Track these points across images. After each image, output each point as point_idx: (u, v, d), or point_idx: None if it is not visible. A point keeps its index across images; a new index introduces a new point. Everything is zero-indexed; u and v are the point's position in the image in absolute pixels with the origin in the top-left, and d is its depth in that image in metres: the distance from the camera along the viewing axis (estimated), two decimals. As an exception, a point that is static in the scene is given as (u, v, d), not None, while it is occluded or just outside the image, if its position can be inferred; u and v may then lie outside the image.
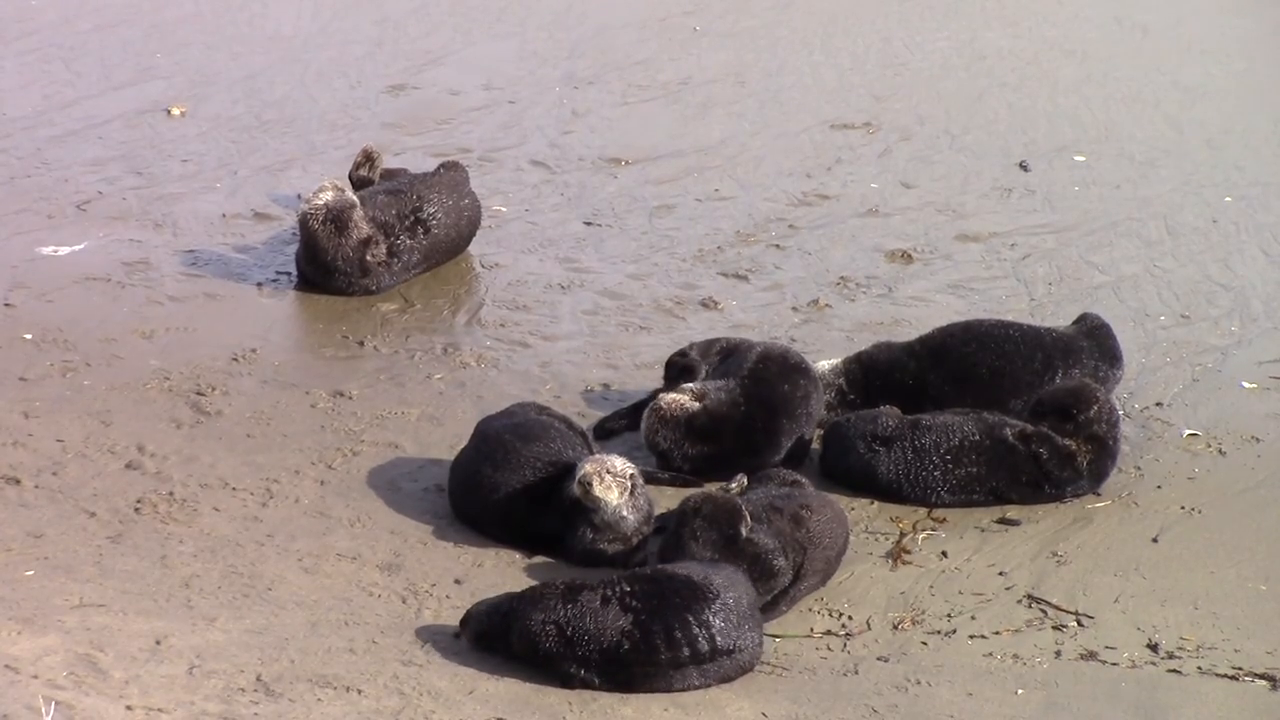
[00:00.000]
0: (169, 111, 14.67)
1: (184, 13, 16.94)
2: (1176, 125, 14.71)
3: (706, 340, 10.64)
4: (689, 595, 8.05)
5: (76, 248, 12.32)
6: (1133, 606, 8.80)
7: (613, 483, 8.95)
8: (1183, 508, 9.61)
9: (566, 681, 8.05)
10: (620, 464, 9.04)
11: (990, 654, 8.45)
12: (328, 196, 11.72)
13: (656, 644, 7.99)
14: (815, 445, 10.09)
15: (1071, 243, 12.69)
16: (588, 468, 8.98)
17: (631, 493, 9.01)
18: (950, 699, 8.10)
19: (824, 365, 10.43)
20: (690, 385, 10.01)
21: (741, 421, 9.79)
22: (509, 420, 9.53)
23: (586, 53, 16.17)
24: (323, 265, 11.74)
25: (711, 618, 8.03)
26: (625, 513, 9.00)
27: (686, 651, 8.01)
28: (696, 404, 9.84)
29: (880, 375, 10.38)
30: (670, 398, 9.88)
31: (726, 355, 10.33)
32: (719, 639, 8.04)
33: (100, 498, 9.46)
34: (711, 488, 9.37)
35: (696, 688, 8.06)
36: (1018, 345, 10.30)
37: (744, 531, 8.62)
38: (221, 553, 9.01)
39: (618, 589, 8.09)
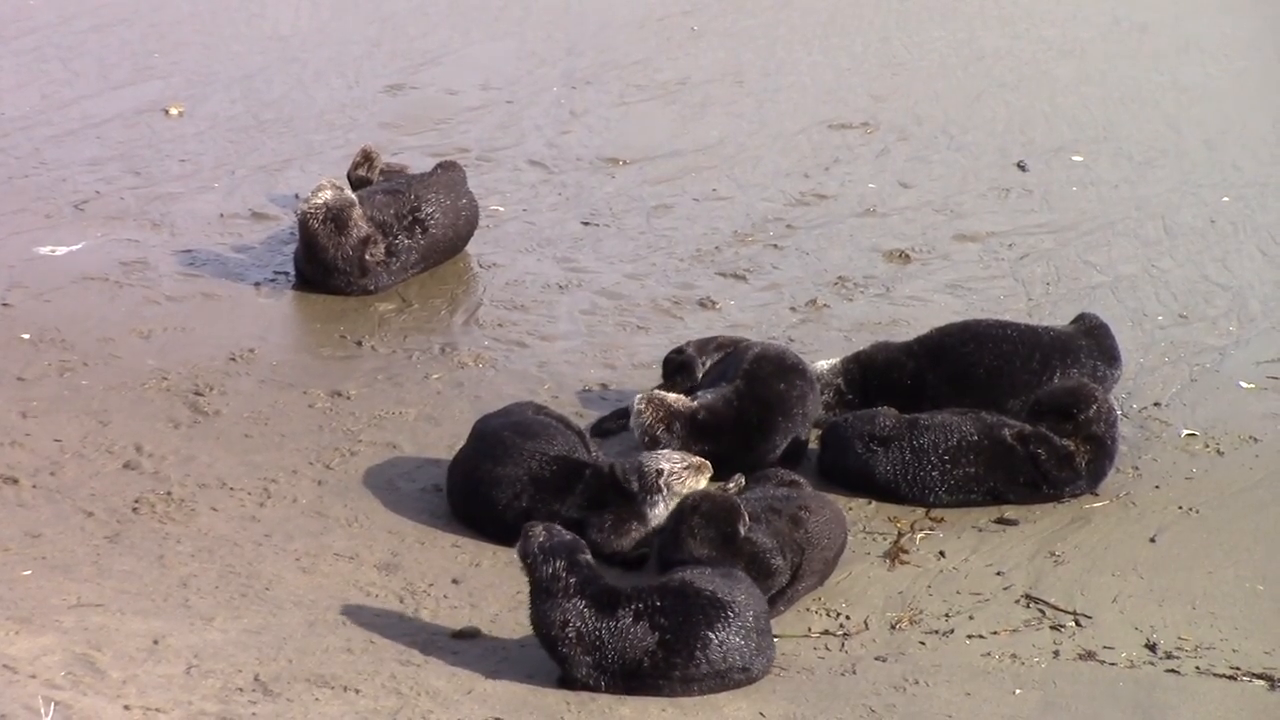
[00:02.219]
0: (167, 111, 14.67)
1: (182, 12, 16.94)
2: (1174, 125, 14.71)
3: (703, 338, 10.66)
4: (715, 614, 8.02)
5: (74, 247, 12.32)
6: (1130, 606, 8.80)
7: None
8: (1180, 508, 9.61)
9: (570, 682, 8.03)
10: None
11: (988, 654, 8.45)
12: (327, 195, 11.73)
13: (676, 662, 7.99)
14: (813, 445, 10.09)
15: (1069, 242, 12.69)
16: (695, 460, 9.21)
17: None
18: (948, 699, 8.10)
19: (822, 365, 10.44)
20: (675, 396, 10.04)
21: (737, 420, 9.80)
22: (507, 418, 9.55)
23: (584, 52, 16.17)
24: (322, 264, 11.74)
25: (733, 638, 8.02)
26: (665, 506, 9.10)
27: (704, 669, 8.01)
28: (688, 402, 9.89)
29: (878, 375, 10.38)
30: (655, 392, 9.93)
31: (724, 355, 10.34)
32: (736, 658, 8.04)
33: (98, 497, 9.46)
34: (710, 487, 9.37)
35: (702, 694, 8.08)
36: (1015, 345, 10.30)
37: (742, 530, 8.62)
38: (219, 552, 9.01)
39: (649, 602, 8.05)
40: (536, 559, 8.10)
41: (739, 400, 9.84)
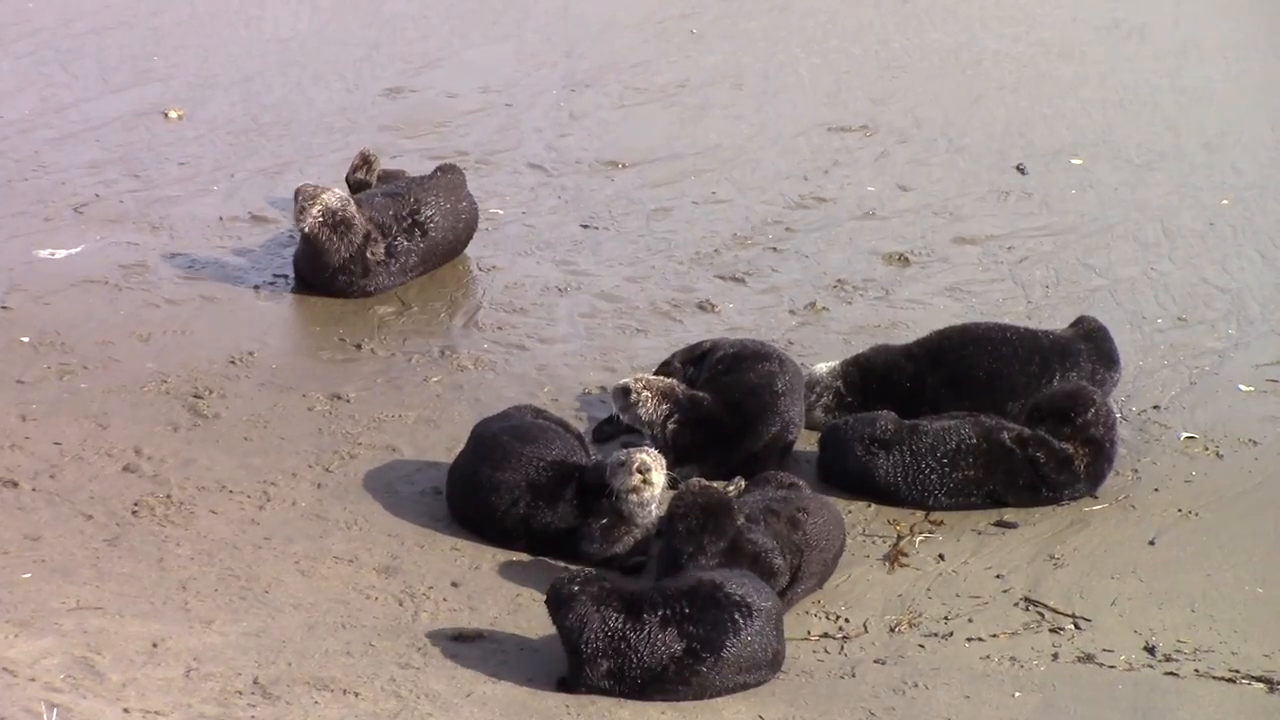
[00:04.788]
0: (166, 114, 14.67)
1: (181, 16, 16.93)
2: (1174, 128, 14.71)
3: (688, 346, 10.67)
4: (744, 617, 8.01)
5: (74, 250, 12.32)
6: (1130, 609, 8.81)
7: (662, 473, 9.11)
8: (1180, 510, 9.61)
9: (571, 686, 8.03)
10: (660, 456, 9.19)
11: (987, 656, 8.45)
12: (328, 198, 11.69)
13: (701, 669, 7.99)
14: (813, 448, 10.10)
15: (1069, 245, 12.69)
16: (644, 456, 9.07)
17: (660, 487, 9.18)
18: (947, 701, 8.10)
19: (821, 368, 10.45)
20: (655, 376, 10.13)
21: (712, 414, 9.83)
22: (506, 422, 9.55)
23: (583, 55, 16.17)
24: (325, 266, 11.72)
25: (756, 644, 8.03)
26: (653, 507, 9.05)
27: (724, 674, 8.01)
28: (671, 381, 9.97)
29: (877, 378, 10.39)
30: (638, 376, 10.02)
31: (700, 358, 10.40)
32: (755, 663, 8.04)
33: (97, 500, 9.46)
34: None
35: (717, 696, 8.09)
36: (1015, 348, 10.31)
37: (737, 522, 8.60)
38: (219, 555, 9.01)
39: (678, 608, 8.02)
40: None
41: (710, 396, 9.90)
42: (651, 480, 9.05)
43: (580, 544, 9.13)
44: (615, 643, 7.96)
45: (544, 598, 8.23)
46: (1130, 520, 9.57)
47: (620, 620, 7.98)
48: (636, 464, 9.05)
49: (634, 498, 9.07)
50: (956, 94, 15.40)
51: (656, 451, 9.24)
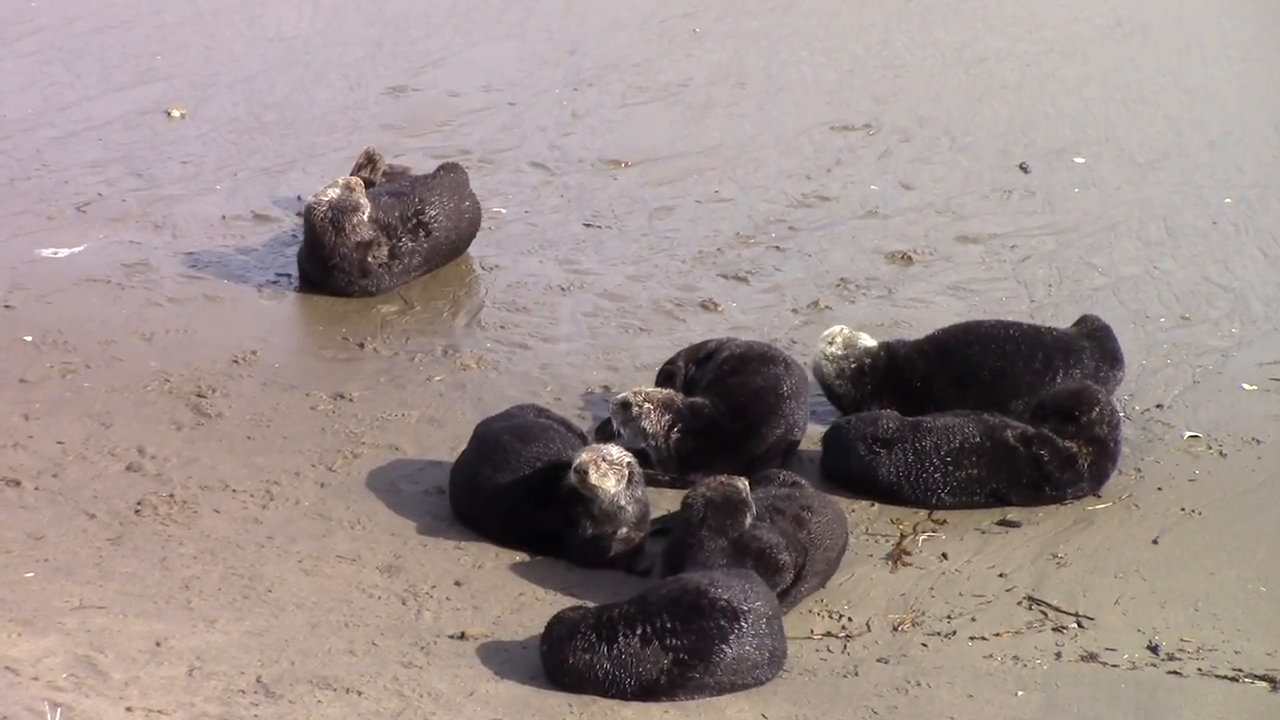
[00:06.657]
0: (169, 113, 14.67)
1: (184, 14, 16.94)
2: (1176, 127, 14.71)
3: (693, 346, 10.65)
4: (729, 622, 8.00)
5: (76, 249, 12.32)
6: (1133, 608, 8.80)
7: (609, 470, 8.97)
8: (1183, 509, 9.61)
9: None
10: (617, 453, 9.08)
11: (990, 655, 8.45)
12: (334, 193, 11.71)
13: (693, 675, 7.99)
14: (816, 447, 10.09)
15: (1071, 244, 12.68)
16: (584, 455, 9.01)
17: (629, 483, 9.02)
18: (950, 700, 8.10)
19: (866, 339, 10.38)
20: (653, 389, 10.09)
21: (717, 417, 9.81)
22: (508, 422, 9.54)
23: (586, 54, 16.17)
24: (322, 261, 11.74)
25: (747, 648, 8.02)
26: (623, 502, 9.00)
27: (719, 676, 8.01)
28: (670, 393, 9.93)
29: (896, 371, 10.35)
30: (634, 388, 9.96)
31: (706, 358, 10.37)
32: (750, 664, 8.04)
33: (100, 500, 9.46)
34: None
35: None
36: (1018, 346, 10.30)
37: (748, 520, 8.61)
38: (222, 554, 9.01)
39: (657, 623, 8.02)
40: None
41: (715, 398, 9.88)
42: (590, 480, 8.97)
43: (572, 544, 9.11)
44: (600, 674, 7.97)
45: (547, 601, 8.24)
46: (1133, 519, 9.57)
47: (596, 651, 7.96)
48: (575, 463, 9.02)
49: (587, 495, 9.01)
50: (959, 93, 15.39)
51: (613, 448, 9.15)
